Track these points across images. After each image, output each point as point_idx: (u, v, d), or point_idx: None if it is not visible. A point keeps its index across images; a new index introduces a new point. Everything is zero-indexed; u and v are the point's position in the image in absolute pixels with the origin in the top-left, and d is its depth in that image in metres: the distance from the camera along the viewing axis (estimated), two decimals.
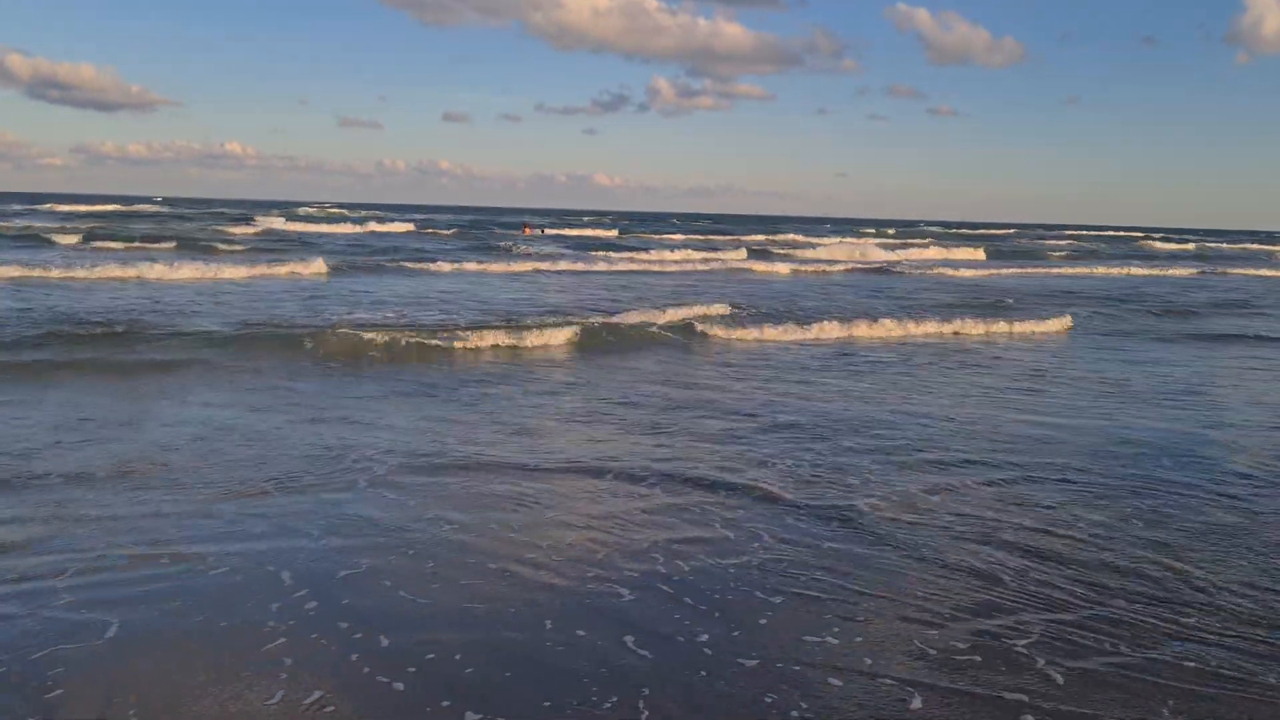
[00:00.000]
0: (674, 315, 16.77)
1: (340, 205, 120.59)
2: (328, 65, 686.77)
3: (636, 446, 8.17)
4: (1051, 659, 4.54)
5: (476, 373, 11.63)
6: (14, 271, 21.18)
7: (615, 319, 15.95)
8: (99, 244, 33.76)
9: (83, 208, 69.63)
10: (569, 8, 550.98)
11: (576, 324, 14.87)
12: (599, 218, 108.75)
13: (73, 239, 35.01)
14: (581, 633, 4.82)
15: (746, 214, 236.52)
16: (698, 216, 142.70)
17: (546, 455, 7.81)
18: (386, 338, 12.80)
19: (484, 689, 4.30)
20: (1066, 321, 18.72)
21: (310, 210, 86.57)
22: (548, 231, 60.19)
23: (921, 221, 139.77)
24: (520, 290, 22.18)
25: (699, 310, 17.55)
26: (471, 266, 29.60)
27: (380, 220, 64.48)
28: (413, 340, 12.88)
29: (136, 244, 34.57)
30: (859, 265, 37.10)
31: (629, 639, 4.76)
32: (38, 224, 44.39)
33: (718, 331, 15.40)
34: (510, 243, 45.41)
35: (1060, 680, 4.37)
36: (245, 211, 79.23)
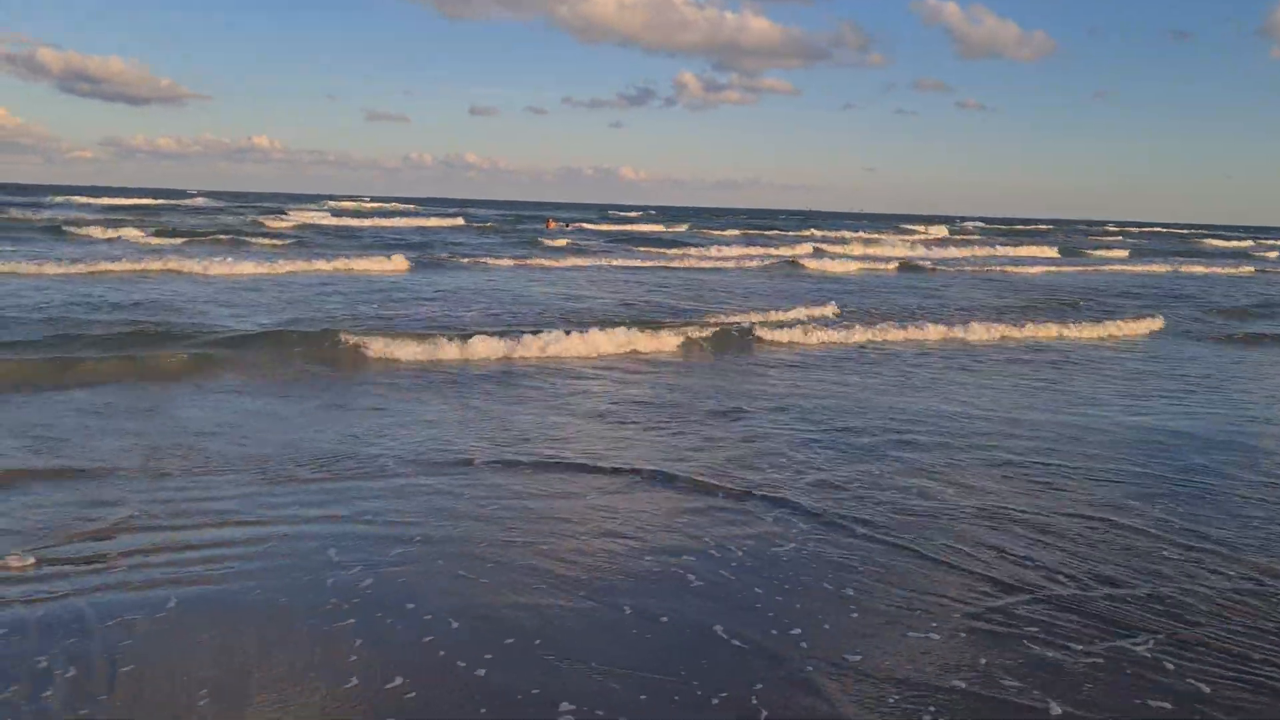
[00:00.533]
0: (780, 315, 16.55)
1: (373, 198, 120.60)
2: (355, 60, 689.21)
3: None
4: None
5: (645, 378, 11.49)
6: (83, 268, 21.06)
7: (734, 319, 15.72)
8: (161, 239, 33.73)
9: (126, 201, 69.42)
10: (595, 1, 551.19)
11: (714, 325, 14.80)
12: (643, 212, 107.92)
13: (135, 233, 35.08)
14: (665, 619, 4.74)
15: (775, 208, 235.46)
16: (726, 211, 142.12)
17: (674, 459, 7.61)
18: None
19: (572, 678, 4.15)
20: (1156, 324, 18.31)
21: (343, 204, 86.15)
22: (571, 226, 59.70)
23: (958, 217, 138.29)
24: (603, 288, 21.93)
25: (805, 312, 17.28)
26: (546, 262, 29.68)
27: (418, 214, 64.21)
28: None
29: (208, 237, 34.48)
30: (923, 261, 36.73)
31: (718, 628, 4.66)
32: (86, 216, 44.43)
33: (831, 335, 15.15)
34: (560, 237, 45.17)
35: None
36: (279, 205, 78.97)
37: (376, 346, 11.91)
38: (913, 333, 15.63)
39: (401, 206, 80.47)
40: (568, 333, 13.13)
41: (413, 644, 4.41)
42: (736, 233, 58.57)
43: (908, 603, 5.03)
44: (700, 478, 7.15)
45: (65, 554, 5.32)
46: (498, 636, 4.49)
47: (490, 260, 29.19)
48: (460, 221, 58.58)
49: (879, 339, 15.19)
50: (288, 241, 34.37)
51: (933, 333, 15.68)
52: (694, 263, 32.60)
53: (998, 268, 35.76)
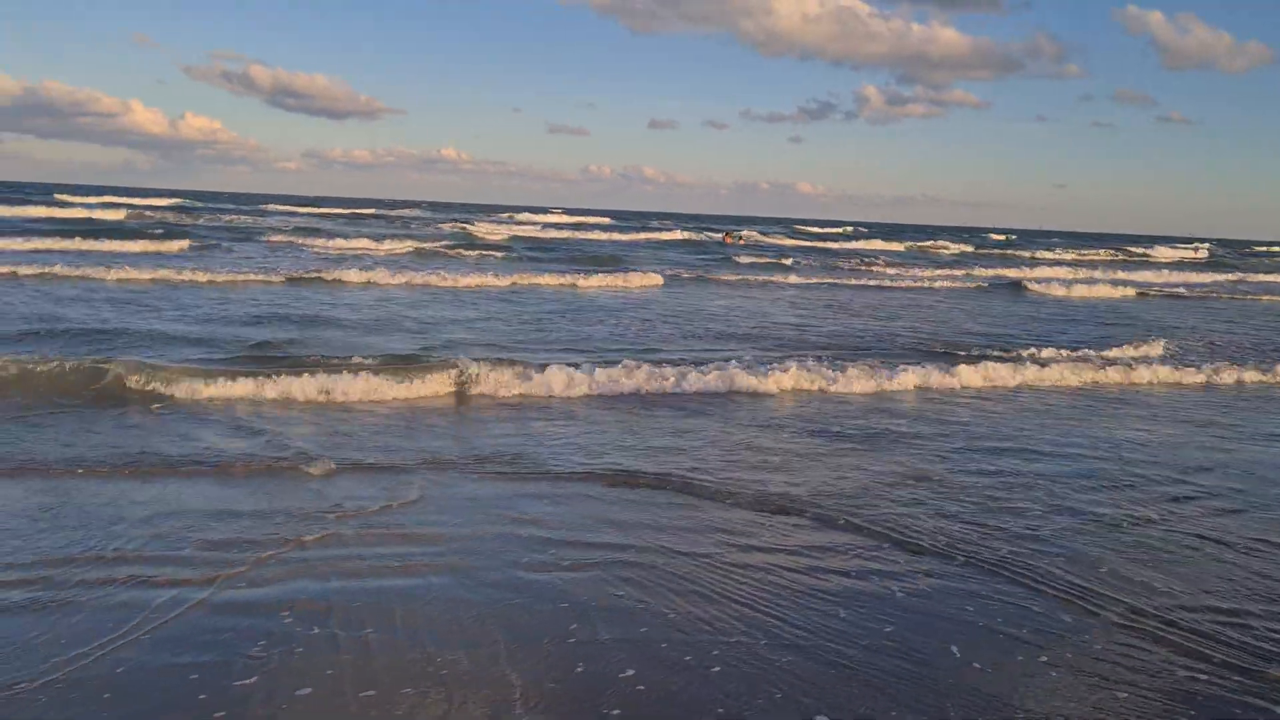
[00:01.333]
0: (1113, 352, 15.40)
1: (558, 209, 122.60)
2: (540, 73, 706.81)
3: None
4: None
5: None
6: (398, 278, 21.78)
7: (1048, 353, 14.68)
8: (400, 244, 34.57)
9: (341, 211, 72.54)
10: (780, 14, 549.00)
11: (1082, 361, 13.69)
12: (847, 227, 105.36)
13: (396, 245, 35.64)
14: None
15: (955, 225, 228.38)
16: (906, 228, 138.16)
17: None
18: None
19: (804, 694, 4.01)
20: None
21: (548, 217, 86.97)
22: (744, 240, 58.53)
23: (1196, 239, 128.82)
24: (843, 310, 21.18)
25: (1131, 350, 16.03)
26: (777, 278, 29.17)
27: (612, 228, 64.13)
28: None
29: (477, 251, 35.02)
30: (1175, 288, 34.25)
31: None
32: (327, 225, 45.92)
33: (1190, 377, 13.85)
34: (788, 257, 44.15)
35: None
36: (469, 215, 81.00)
37: None
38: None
39: (595, 219, 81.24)
40: (921, 365, 12.46)
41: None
42: (957, 249, 56.23)
43: None
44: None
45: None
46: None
47: (727, 276, 28.92)
48: (679, 235, 57.93)
49: (1241, 380, 13.81)
50: (510, 255, 34.63)
51: None
52: (909, 283, 30.72)
53: (1255, 296, 33.09)
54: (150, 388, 9.41)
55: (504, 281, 22.95)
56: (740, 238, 60.28)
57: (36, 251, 24.66)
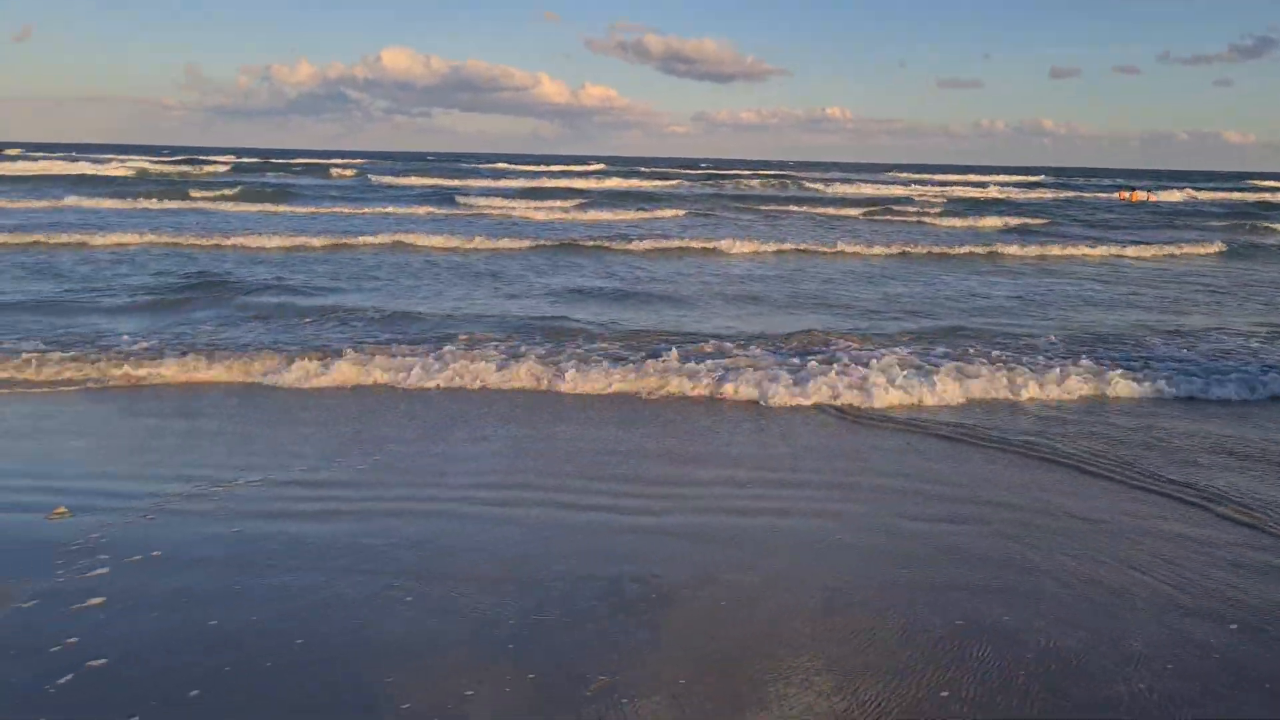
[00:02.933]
0: None
1: (940, 168, 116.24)
2: (929, 26, 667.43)
3: None
4: None
5: None
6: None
7: None
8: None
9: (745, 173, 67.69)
10: None
11: None
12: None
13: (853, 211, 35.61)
14: None
15: None
16: None
17: None
18: None
19: None
20: None
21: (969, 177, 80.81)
22: (1152, 197, 52.85)
23: None
24: None
25: None
26: None
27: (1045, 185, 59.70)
28: None
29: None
30: None
31: None
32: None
33: None
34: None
35: None
36: (844, 175, 76.62)
37: None
38: None
39: (1015, 178, 76.75)
40: None
41: None
42: None
43: None
44: None
45: None
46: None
47: None
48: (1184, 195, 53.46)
49: None
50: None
51: None
52: None
53: None
54: None
55: None
56: (1148, 194, 54.56)
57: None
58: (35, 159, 59.16)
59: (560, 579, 4.66)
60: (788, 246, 21.61)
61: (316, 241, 20.27)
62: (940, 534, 5.36)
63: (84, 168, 50.07)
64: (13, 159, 58.64)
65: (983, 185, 60.62)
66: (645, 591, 4.57)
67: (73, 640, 3.96)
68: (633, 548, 5.09)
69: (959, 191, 52.08)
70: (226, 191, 35.30)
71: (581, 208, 33.23)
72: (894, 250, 21.52)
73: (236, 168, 57.88)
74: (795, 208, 37.19)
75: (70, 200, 28.93)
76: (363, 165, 70.20)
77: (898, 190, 51.33)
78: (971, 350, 9.99)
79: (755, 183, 57.88)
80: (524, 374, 8.67)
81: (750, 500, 5.87)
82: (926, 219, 32.27)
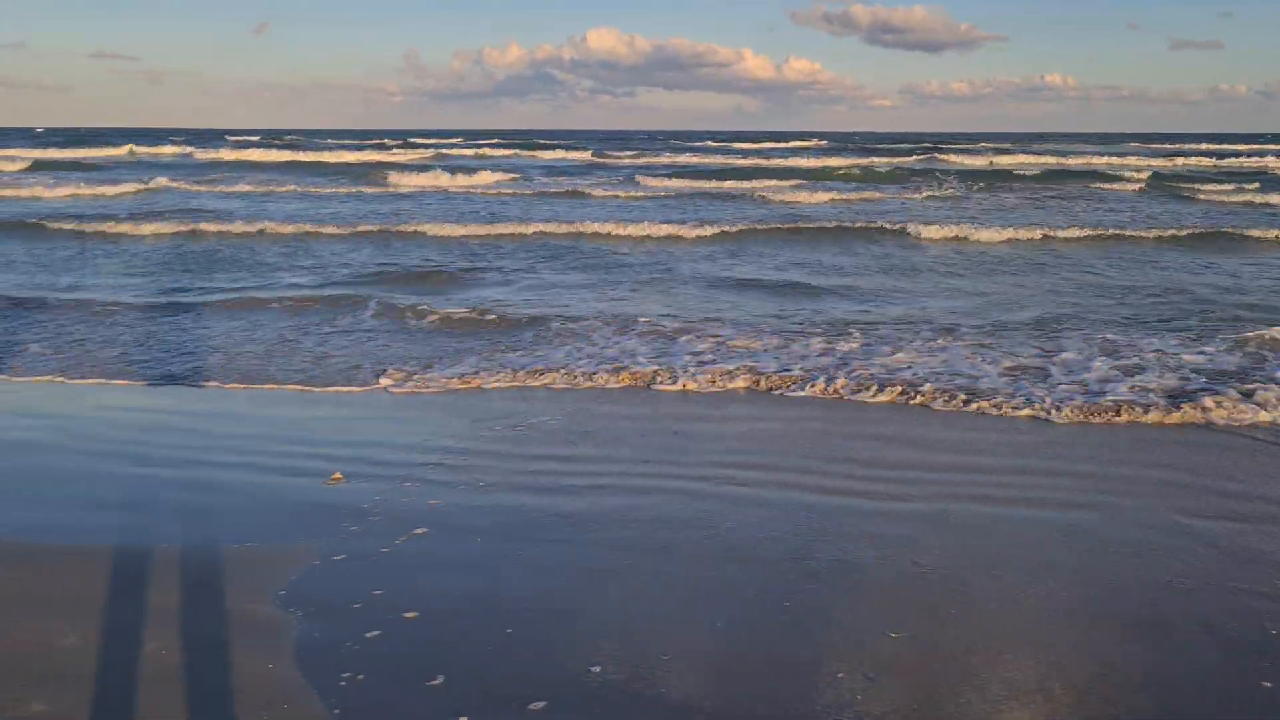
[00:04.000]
0: None
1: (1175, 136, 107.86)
2: None
3: None
4: None
5: None
6: None
7: None
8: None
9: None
10: None
11: None
12: None
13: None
14: None
15: None
16: None
17: None
18: None
19: None
20: None
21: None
22: None
23: None
24: None
25: None
26: None
27: None
28: None
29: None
30: None
31: None
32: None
33: None
34: None
35: None
36: (1068, 145, 71.85)
37: None
38: None
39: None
40: None
41: None
42: None
43: None
44: None
45: None
46: None
47: None
48: None
49: None
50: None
51: None
52: None
53: None
54: None
55: None
56: None
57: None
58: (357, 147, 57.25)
59: (793, 558, 4.66)
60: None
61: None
62: (1229, 534, 5.00)
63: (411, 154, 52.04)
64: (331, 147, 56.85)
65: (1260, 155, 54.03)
66: (877, 577, 4.50)
67: (379, 592, 4.28)
68: (870, 531, 5.02)
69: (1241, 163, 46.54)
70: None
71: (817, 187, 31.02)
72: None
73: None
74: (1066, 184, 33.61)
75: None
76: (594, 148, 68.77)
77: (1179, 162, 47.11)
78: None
79: (1022, 157, 52.77)
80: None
81: (995, 488, 5.67)
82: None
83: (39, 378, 8.33)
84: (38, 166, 39.28)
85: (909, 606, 4.22)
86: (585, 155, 54.46)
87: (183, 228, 19.18)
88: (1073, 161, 48.04)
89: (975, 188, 31.49)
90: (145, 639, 3.89)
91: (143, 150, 54.33)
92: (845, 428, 6.90)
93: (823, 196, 27.75)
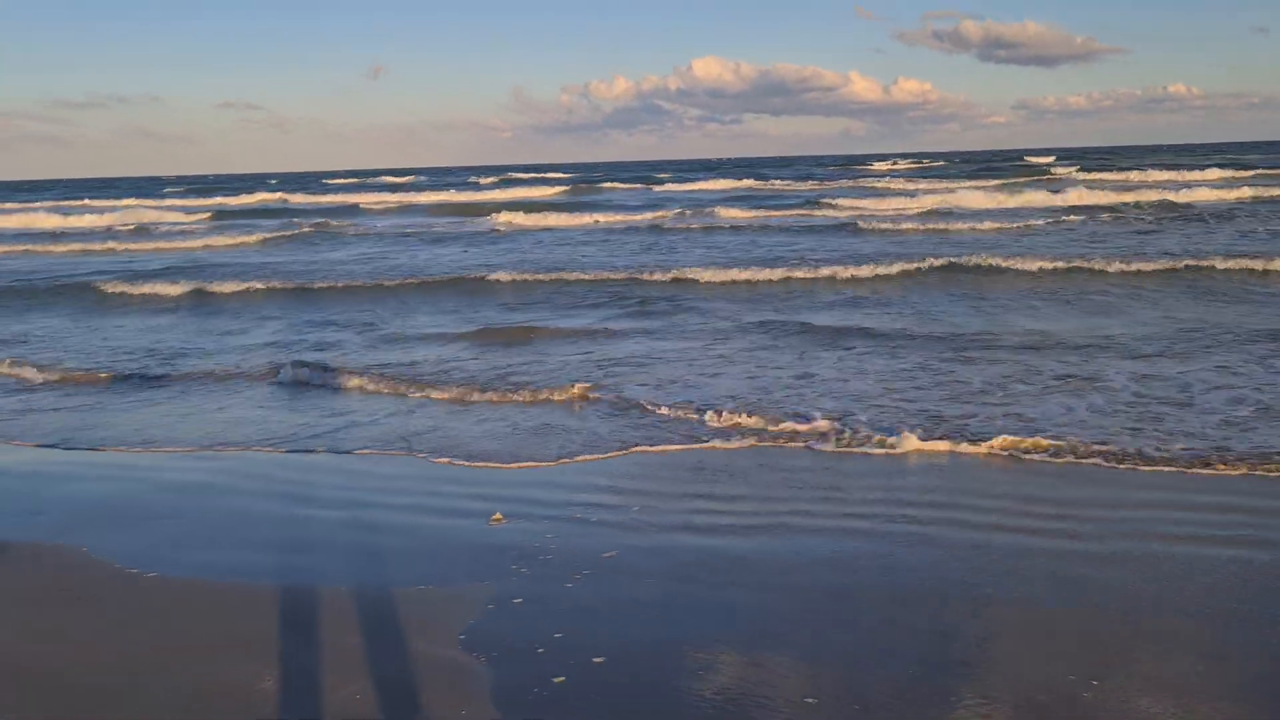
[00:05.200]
0: None
1: None
2: None
3: None
4: None
5: None
6: None
7: None
8: None
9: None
10: None
11: None
12: None
13: None
14: None
15: None
16: None
17: None
18: None
19: None
20: None
21: None
22: None
23: None
24: None
25: None
26: None
27: None
28: None
29: None
30: None
31: None
32: None
33: None
34: None
35: None
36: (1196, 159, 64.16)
37: None
38: None
39: None
40: None
41: None
42: None
43: None
44: None
45: None
46: None
47: None
48: None
49: None
50: None
51: None
52: None
53: None
54: None
55: None
56: None
57: None
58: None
59: (964, 599, 4.45)
60: None
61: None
62: None
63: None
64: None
65: None
66: (1063, 621, 4.26)
67: (559, 635, 4.24)
68: (1052, 570, 4.78)
69: None
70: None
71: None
72: None
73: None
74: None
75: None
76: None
77: None
78: None
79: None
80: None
81: (1198, 527, 5.34)
82: None
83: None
84: (220, 215, 40.91)
85: (1096, 650, 3.98)
86: (802, 185, 52.36)
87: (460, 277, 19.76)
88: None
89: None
90: (336, 682, 3.93)
91: (303, 199, 53.78)
92: (1015, 464, 6.64)
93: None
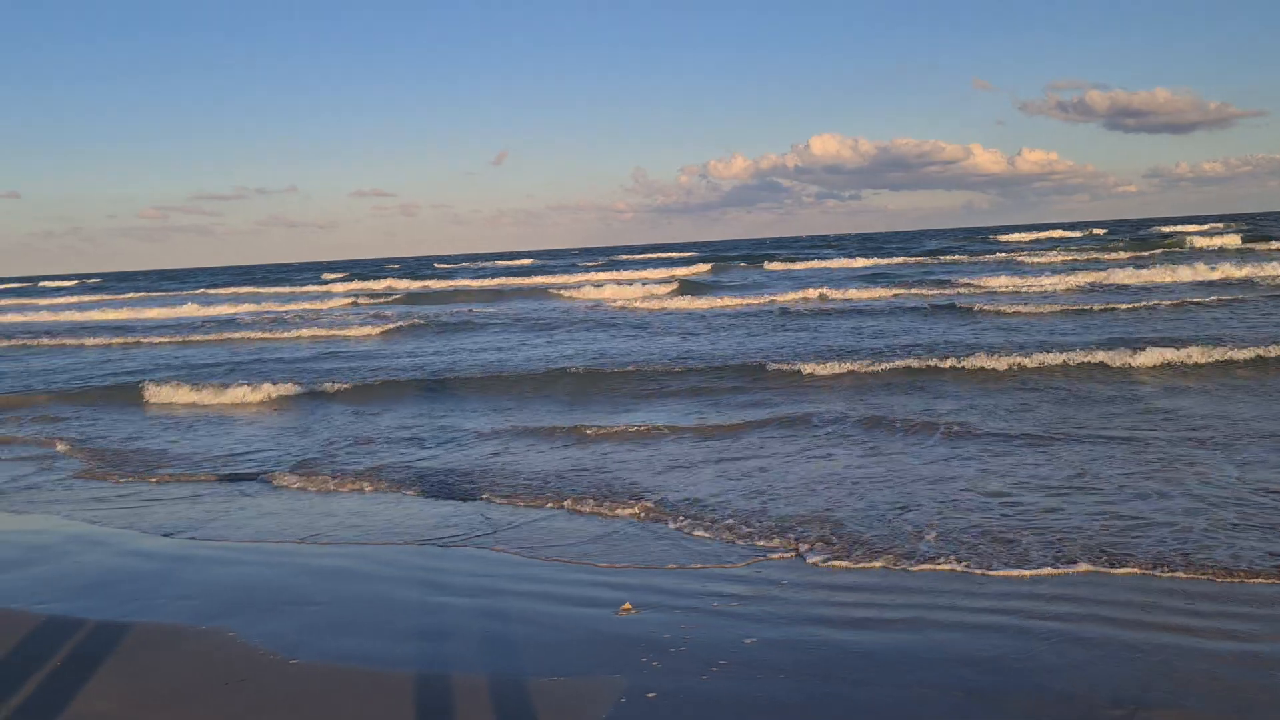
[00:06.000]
0: None
1: None
2: None
3: None
4: None
5: None
6: None
7: None
8: None
9: None
10: None
11: None
12: None
13: None
14: None
15: None
16: None
17: None
18: None
19: None
20: None
21: None
22: None
23: None
24: None
25: None
26: None
27: None
28: None
29: None
30: None
31: None
32: None
33: None
34: None
35: None
36: None
37: None
38: None
39: None
40: None
41: None
42: None
43: None
44: None
45: None
46: None
47: None
48: None
49: None
50: None
51: None
52: None
53: None
54: None
55: None
56: None
57: None
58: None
59: (1123, 704, 4.21)
60: None
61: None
62: None
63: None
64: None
65: None
66: None
67: None
68: (1214, 673, 4.51)
69: None
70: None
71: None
72: None
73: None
74: None
75: None
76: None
77: None
78: None
79: None
80: None
81: None
82: None
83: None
84: (411, 299, 42.54)
85: None
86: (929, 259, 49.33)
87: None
88: None
89: None
90: None
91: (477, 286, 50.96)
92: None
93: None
